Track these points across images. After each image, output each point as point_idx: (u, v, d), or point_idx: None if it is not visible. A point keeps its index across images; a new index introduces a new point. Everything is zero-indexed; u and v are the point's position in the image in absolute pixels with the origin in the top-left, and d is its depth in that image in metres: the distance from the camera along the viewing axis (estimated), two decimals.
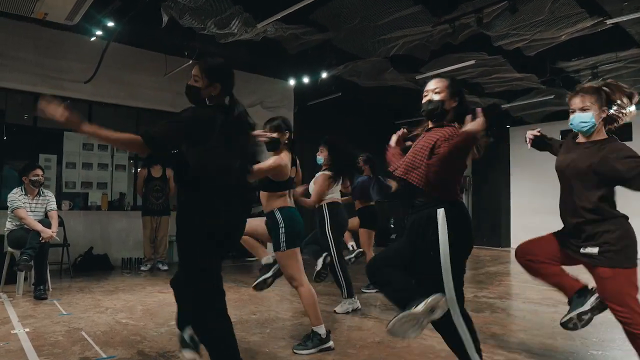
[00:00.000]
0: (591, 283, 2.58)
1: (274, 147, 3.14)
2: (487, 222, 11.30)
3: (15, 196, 4.94)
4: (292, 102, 8.69)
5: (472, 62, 5.94)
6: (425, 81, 5.40)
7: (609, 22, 4.65)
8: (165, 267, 6.68)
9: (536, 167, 10.63)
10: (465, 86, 7.53)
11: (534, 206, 10.77)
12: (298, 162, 3.40)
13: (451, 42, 5.54)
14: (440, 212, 2.16)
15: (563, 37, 5.08)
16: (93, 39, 5.71)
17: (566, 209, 2.54)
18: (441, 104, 2.27)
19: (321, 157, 4.25)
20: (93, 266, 6.53)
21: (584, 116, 2.45)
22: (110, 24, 5.21)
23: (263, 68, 7.31)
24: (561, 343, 3.40)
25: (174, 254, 6.96)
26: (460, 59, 6.09)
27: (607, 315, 2.51)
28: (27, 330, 3.49)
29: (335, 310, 4.22)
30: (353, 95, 8.03)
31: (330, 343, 3.11)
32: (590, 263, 2.43)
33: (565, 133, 9.52)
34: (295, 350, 3.04)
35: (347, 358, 3.00)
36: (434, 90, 2.30)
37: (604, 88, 2.47)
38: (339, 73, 6.48)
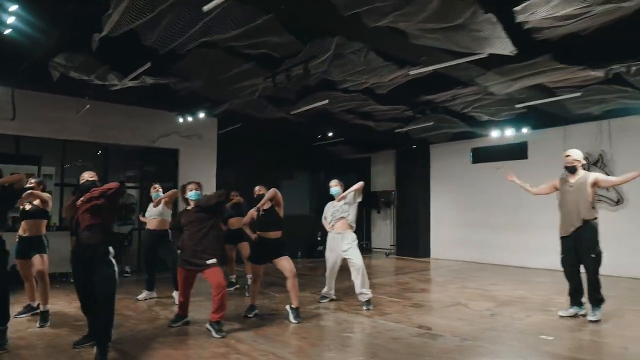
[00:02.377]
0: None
1: None
2: (408, 234, 12.15)
3: None
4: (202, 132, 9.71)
5: (327, 101, 6.85)
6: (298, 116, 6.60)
7: (411, 72, 5.55)
8: None
9: (453, 183, 11.57)
10: (360, 114, 8.48)
11: (452, 220, 11.66)
12: None
13: (308, 84, 6.47)
14: None
15: (387, 81, 5.98)
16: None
17: None
18: None
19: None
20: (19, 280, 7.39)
21: None
22: None
23: (164, 104, 8.24)
24: None
25: None
26: (327, 96, 6.99)
27: None
28: None
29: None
30: (253, 126, 9.00)
31: None
32: None
33: (475, 150, 10.36)
34: None
35: None
36: None
37: None
38: (219, 111, 7.44)
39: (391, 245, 12.82)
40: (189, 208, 5.01)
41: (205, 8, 3.67)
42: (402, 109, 7.69)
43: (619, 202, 8.67)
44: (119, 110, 8.44)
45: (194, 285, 5.14)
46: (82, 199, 4.09)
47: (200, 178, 9.77)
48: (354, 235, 6.30)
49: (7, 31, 4.11)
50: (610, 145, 8.82)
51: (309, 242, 11.85)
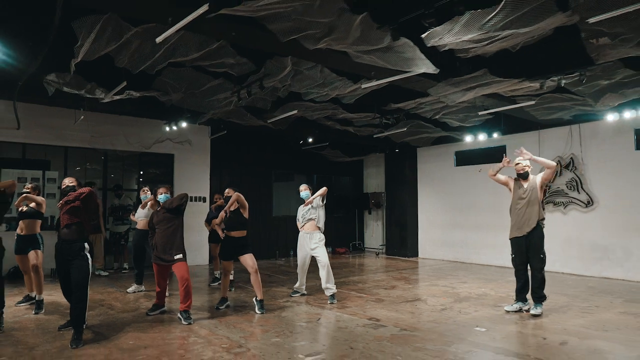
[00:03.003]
0: None
1: None
2: (397, 234, 12.60)
3: None
4: (190, 138, 10.37)
5: (295, 111, 7.40)
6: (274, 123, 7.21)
7: (363, 86, 6.05)
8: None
9: (439, 185, 11.98)
10: (338, 121, 8.99)
11: (438, 220, 12.07)
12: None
13: (279, 96, 7.03)
14: None
15: (347, 92, 6.50)
16: None
17: None
18: None
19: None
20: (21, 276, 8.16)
21: None
22: None
23: (155, 114, 8.89)
24: None
25: None
26: (297, 106, 7.53)
27: None
28: None
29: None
30: (238, 132, 9.61)
31: None
32: None
33: (459, 154, 10.68)
34: None
35: None
36: None
37: None
38: (203, 120, 8.08)
39: (381, 245, 13.29)
40: (158, 209, 5.63)
41: (158, 40, 4.26)
42: (371, 116, 8.17)
43: (589, 204, 8.98)
44: (114, 120, 9.17)
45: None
46: (61, 201, 4.74)
47: (194, 181, 10.58)
48: (321, 235, 6.84)
49: None
50: (580, 149, 9.14)
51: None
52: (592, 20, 3.91)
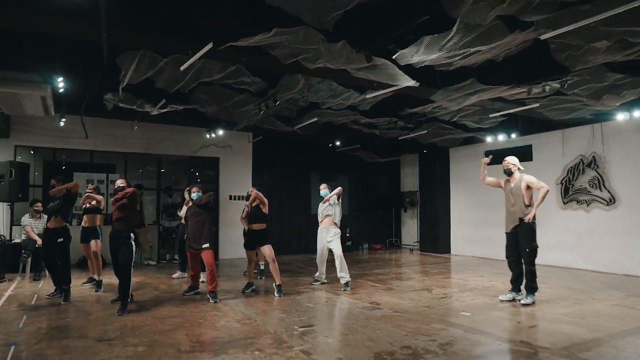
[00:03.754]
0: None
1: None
2: (430, 232, 13.07)
3: (25, 218, 8.16)
4: (231, 143, 11.51)
5: (316, 119, 8.22)
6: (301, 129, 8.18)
7: (368, 96, 6.76)
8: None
9: (470, 184, 12.33)
10: (364, 125, 9.72)
11: (469, 218, 12.43)
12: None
13: (302, 105, 7.91)
14: None
15: (358, 101, 7.22)
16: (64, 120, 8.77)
17: None
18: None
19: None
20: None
21: None
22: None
23: (199, 123, 10.07)
24: None
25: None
26: (318, 114, 8.36)
27: None
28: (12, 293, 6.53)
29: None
30: (278, 136, 10.62)
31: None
32: None
33: (488, 153, 10.95)
34: None
35: None
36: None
37: None
38: (239, 127, 9.16)
39: (415, 242, 13.80)
40: (190, 205, 6.69)
41: (182, 68, 5.28)
42: (389, 120, 8.81)
43: (610, 202, 9.05)
44: (164, 128, 10.49)
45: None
46: (112, 199, 5.91)
47: (237, 181, 11.71)
48: (337, 230, 7.60)
49: (61, 90, 6.06)
50: (602, 148, 9.22)
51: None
52: (543, 37, 4.41)
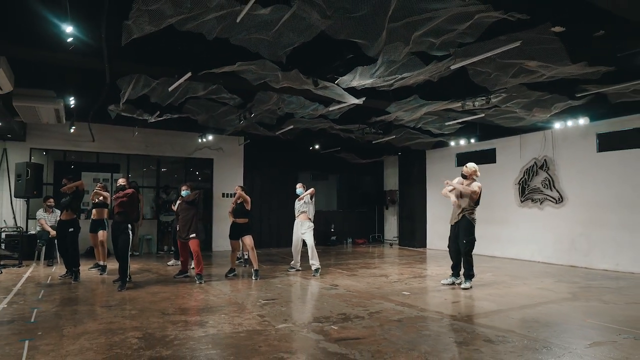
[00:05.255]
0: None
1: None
2: (408, 227, 14.18)
3: (40, 213, 9.41)
4: (222, 146, 12.70)
5: (292, 126, 9.38)
6: (283, 134, 9.32)
7: (330, 109, 7.89)
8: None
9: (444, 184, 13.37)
10: (341, 130, 10.83)
11: (444, 215, 13.49)
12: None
13: (280, 114, 9.06)
14: None
15: (325, 112, 8.35)
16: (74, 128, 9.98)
17: None
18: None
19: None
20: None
21: None
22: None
23: (192, 128, 11.27)
24: None
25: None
26: (294, 121, 9.52)
27: None
28: (30, 275, 7.77)
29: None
30: (268, 140, 11.80)
31: None
32: None
33: (459, 155, 12.03)
34: None
35: None
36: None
37: None
38: (228, 133, 10.36)
39: (394, 237, 14.92)
40: (179, 201, 7.88)
41: (170, 89, 6.46)
42: (357, 127, 9.94)
43: (559, 200, 10.11)
44: (162, 133, 11.70)
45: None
46: (114, 196, 7.11)
47: (229, 180, 12.91)
48: (310, 224, 8.74)
49: (72, 105, 7.29)
50: (553, 152, 10.28)
51: (323, 232, 14.35)
52: (453, 67, 5.52)
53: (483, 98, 6.80)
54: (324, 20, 4.33)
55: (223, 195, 12.82)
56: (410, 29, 4.55)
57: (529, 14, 4.43)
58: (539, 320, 5.14)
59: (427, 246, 13.92)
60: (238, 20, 4.32)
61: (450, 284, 7.48)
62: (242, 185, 8.80)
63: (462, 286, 7.22)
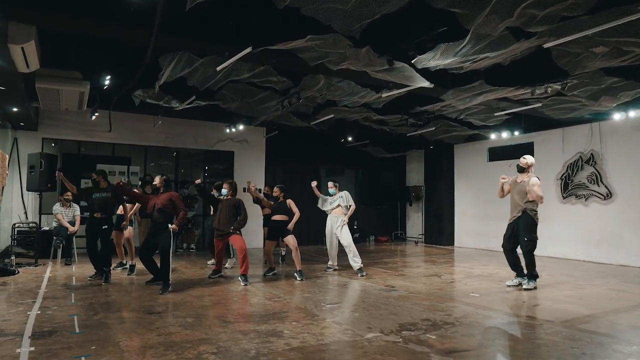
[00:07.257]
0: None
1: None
2: (435, 225, 13.61)
3: (57, 207, 8.66)
4: (247, 138, 12.02)
5: (332, 115, 8.74)
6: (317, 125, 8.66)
7: (384, 95, 7.26)
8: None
9: (473, 179, 12.86)
10: (375, 122, 10.20)
11: (472, 212, 12.96)
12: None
13: (320, 102, 8.41)
14: None
15: (373, 99, 7.72)
16: (96, 114, 9.21)
17: None
18: None
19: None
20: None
21: None
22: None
23: (218, 118, 10.58)
24: None
25: None
26: (334, 111, 8.87)
27: None
28: (51, 275, 7.04)
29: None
30: (291, 132, 11.12)
31: None
32: None
33: (491, 150, 11.44)
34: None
35: None
36: None
37: None
38: (257, 123, 9.65)
39: (420, 235, 14.35)
40: (220, 198, 7.22)
41: (218, 68, 5.77)
42: (399, 117, 9.33)
43: (607, 196, 9.59)
44: (184, 123, 10.97)
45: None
46: (153, 201, 6.43)
47: (251, 174, 12.23)
48: (344, 218, 8.06)
49: (106, 87, 6.57)
50: (600, 145, 9.75)
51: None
52: (546, 45, 4.92)
53: (559, 83, 6.21)
54: None
55: (243, 190, 12.11)
56: None
57: None
58: None
59: (455, 244, 13.36)
60: None
61: (517, 285, 6.89)
62: (281, 185, 8.18)
63: (525, 286, 6.66)
